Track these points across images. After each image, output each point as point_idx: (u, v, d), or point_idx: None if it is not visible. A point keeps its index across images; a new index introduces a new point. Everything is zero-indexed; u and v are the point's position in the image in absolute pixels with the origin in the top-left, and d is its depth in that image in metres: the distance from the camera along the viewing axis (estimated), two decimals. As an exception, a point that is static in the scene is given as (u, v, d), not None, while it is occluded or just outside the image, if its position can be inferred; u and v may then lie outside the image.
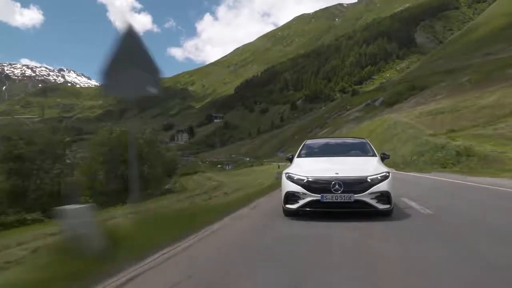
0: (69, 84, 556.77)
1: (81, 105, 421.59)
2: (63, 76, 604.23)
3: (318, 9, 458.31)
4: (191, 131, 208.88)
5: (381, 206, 5.94)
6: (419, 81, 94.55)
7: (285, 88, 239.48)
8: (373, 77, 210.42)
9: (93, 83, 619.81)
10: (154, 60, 5.26)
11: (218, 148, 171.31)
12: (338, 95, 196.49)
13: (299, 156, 7.82)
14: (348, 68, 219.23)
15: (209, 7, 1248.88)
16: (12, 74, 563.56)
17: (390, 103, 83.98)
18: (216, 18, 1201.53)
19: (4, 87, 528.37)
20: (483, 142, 23.19)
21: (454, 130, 30.70)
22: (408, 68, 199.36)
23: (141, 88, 5.21)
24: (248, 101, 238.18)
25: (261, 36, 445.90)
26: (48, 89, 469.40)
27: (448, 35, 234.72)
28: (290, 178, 6.43)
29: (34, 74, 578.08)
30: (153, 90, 5.24)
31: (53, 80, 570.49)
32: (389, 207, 6.05)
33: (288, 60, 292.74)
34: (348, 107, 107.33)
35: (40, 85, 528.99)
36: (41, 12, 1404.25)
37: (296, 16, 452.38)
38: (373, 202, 5.90)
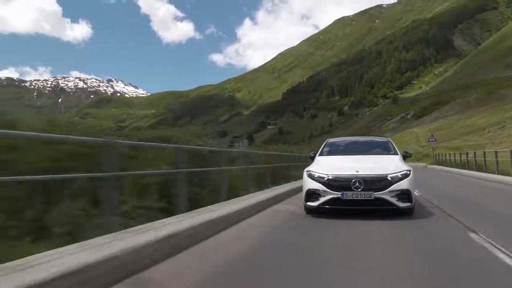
0: (118, 94, 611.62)
1: (134, 114, 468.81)
2: (112, 87, 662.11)
3: (357, 11, 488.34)
4: (250, 137, 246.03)
5: (401, 204, 6.38)
6: (443, 96, 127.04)
7: (331, 95, 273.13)
8: (412, 82, 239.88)
9: (141, 92, 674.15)
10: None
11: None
12: (380, 100, 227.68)
13: (321, 154, 8.38)
14: (389, 75, 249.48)
15: (249, 12, 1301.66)
16: (66, 86, 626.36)
17: (418, 116, 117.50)
18: (255, 23, 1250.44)
19: (60, 100, 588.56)
20: (440, 149, 58.25)
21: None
22: (446, 71, 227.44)
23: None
24: (296, 107, 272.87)
25: (303, 41, 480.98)
26: (103, 100, 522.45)
27: (486, 36, 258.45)
28: (311, 176, 6.95)
29: (86, 86, 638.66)
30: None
31: (103, 91, 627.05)
32: (410, 205, 6.49)
33: (332, 66, 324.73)
34: (389, 117, 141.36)
35: (92, 96, 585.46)
36: (90, 26, 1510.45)
37: (336, 19, 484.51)
38: (393, 200, 6.34)
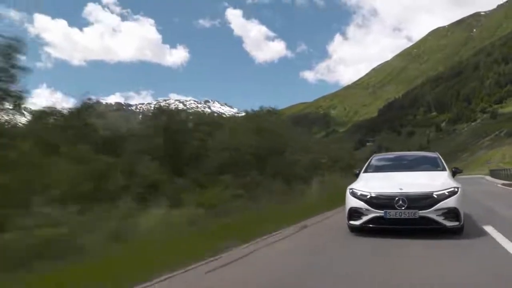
0: (215, 114, 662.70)
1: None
2: (209, 107, 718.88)
3: (453, 20, 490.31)
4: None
5: (448, 223, 6.26)
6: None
7: (428, 111, 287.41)
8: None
9: (235, 111, 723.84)
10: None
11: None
12: (478, 115, 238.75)
13: (365, 171, 8.39)
14: (487, 89, 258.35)
15: (339, 28, 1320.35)
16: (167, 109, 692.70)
17: (510, 134, 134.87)
18: (346, 38, 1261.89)
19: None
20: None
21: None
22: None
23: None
24: (392, 124, 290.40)
25: (396, 56, 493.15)
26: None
27: None
28: (353, 194, 6.98)
29: (185, 107, 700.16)
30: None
31: (202, 112, 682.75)
32: (458, 224, 6.33)
33: (427, 81, 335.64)
34: (484, 134, 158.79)
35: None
36: (187, 50, 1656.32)
37: (431, 31, 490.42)
38: (440, 219, 6.23)
